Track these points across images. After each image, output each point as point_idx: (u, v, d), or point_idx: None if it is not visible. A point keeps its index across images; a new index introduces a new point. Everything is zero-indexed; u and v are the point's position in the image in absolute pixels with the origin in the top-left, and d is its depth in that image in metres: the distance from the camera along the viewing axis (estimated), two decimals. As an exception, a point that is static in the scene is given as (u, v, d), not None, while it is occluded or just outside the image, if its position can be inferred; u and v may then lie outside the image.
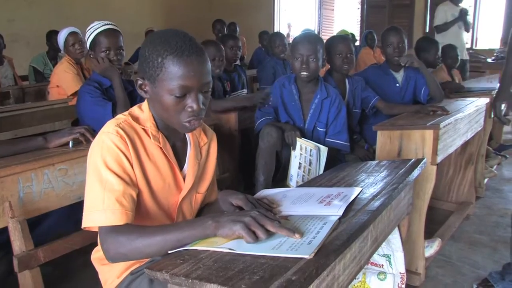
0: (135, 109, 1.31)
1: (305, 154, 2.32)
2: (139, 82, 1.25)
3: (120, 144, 1.18)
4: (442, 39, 5.59)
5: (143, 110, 1.30)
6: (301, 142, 2.33)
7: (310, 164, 2.32)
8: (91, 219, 1.15)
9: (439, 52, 3.72)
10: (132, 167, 1.20)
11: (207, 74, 1.21)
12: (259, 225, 1.02)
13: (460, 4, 5.89)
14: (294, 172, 2.37)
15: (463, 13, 5.69)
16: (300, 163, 2.35)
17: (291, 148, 2.36)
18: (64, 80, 3.55)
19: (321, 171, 2.32)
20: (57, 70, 3.68)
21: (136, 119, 1.27)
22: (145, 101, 1.31)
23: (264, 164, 2.38)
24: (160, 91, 1.19)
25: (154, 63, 1.17)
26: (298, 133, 2.35)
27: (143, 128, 1.26)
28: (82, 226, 1.17)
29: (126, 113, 1.29)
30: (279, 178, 2.50)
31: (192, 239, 1.06)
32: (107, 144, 1.18)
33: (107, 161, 1.16)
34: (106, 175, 1.15)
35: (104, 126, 1.23)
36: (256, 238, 1.00)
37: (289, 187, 2.37)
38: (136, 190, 1.20)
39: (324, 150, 2.32)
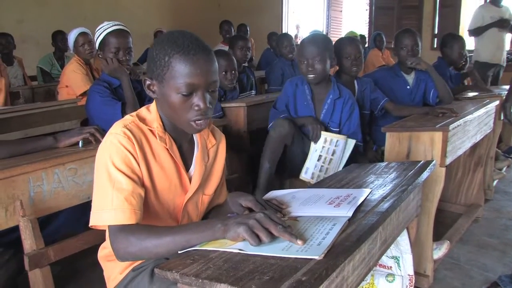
0: (142, 110, 1.32)
1: (329, 146, 2.36)
2: (147, 82, 1.26)
3: (127, 144, 1.20)
4: (479, 41, 5.48)
5: (150, 111, 1.31)
6: (326, 135, 2.37)
7: (333, 154, 2.35)
8: (100, 218, 1.16)
9: (464, 51, 3.67)
10: (139, 167, 1.22)
11: (213, 73, 1.22)
12: (263, 228, 1.02)
13: (502, 4, 5.52)
14: (311, 164, 2.41)
15: (501, 22, 5.37)
16: (320, 155, 2.38)
17: (311, 141, 2.40)
18: (73, 80, 3.57)
19: (343, 164, 2.39)
20: (67, 70, 3.70)
21: (143, 120, 1.28)
22: (153, 102, 1.32)
23: (271, 152, 2.40)
24: (167, 90, 1.21)
25: (161, 62, 1.19)
26: (322, 127, 2.40)
27: (150, 129, 1.27)
28: (90, 224, 1.19)
29: (133, 114, 1.31)
30: (289, 174, 2.51)
31: (201, 241, 1.07)
32: (115, 144, 1.19)
33: (115, 161, 1.17)
34: (115, 175, 1.16)
35: (112, 127, 1.24)
36: (259, 241, 1.00)
37: (303, 180, 2.42)
38: (143, 190, 1.21)
39: (351, 142, 2.37)
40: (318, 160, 2.39)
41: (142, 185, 1.22)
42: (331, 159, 2.37)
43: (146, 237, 1.11)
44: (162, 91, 1.23)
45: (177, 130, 1.31)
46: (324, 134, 2.39)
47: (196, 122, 1.23)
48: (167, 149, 1.28)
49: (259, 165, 2.44)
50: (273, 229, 1.02)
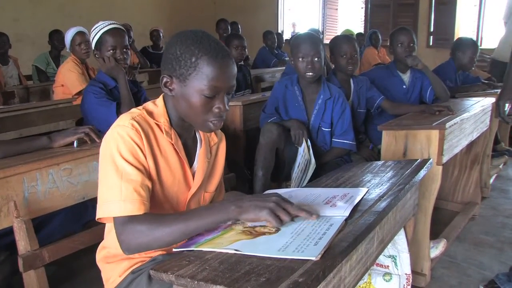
0: (149, 104, 1.32)
1: (305, 159, 2.35)
2: (165, 79, 1.25)
3: (135, 136, 1.19)
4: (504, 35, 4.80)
5: (157, 106, 1.31)
6: (304, 146, 2.34)
7: (302, 170, 2.35)
8: (109, 210, 1.15)
9: (476, 57, 3.60)
10: (146, 159, 1.21)
11: (234, 77, 1.25)
12: (282, 209, 1.07)
13: None
14: (295, 168, 2.40)
15: None
16: (299, 163, 2.36)
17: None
18: (68, 80, 3.56)
19: (305, 183, 2.38)
20: (62, 69, 3.68)
21: (150, 113, 1.28)
22: (160, 96, 1.32)
23: (263, 160, 2.38)
24: (190, 90, 1.21)
25: (187, 62, 1.19)
26: (305, 133, 2.37)
27: (156, 123, 1.27)
28: (97, 217, 1.18)
29: (140, 107, 1.30)
30: (285, 177, 2.50)
31: (214, 224, 1.10)
32: (122, 136, 1.19)
33: (123, 153, 1.17)
34: (123, 166, 1.16)
35: (119, 119, 1.24)
36: (281, 222, 1.07)
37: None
38: (151, 182, 1.21)
39: (313, 165, 2.37)
40: (298, 166, 2.38)
41: (149, 177, 1.22)
42: (301, 175, 2.38)
43: (157, 226, 1.10)
44: (182, 90, 1.23)
45: (183, 126, 1.32)
46: (305, 143, 2.36)
47: (213, 122, 1.25)
48: (172, 144, 1.28)
49: (253, 174, 2.43)
50: (290, 209, 1.09)
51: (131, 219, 1.12)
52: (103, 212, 1.16)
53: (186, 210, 1.33)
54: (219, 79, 1.19)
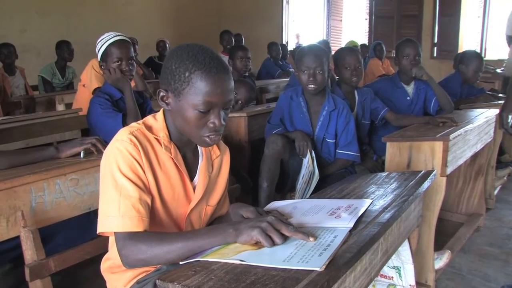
0: (149, 119, 1.33)
1: (310, 169, 2.36)
2: (162, 93, 1.26)
3: (133, 151, 1.20)
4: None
5: (157, 120, 1.32)
6: (309, 157, 2.36)
7: (306, 182, 2.36)
8: (108, 225, 1.16)
9: (480, 71, 3.61)
10: (145, 174, 1.22)
11: (231, 92, 1.23)
12: (275, 230, 1.06)
13: None
14: (300, 179, 2.41)
15: None
16: (303, 174, 2.37)
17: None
18: (90, 76, 3.44)
19: (308, 194, 2.39)
20: (89, 66, 3.52)
21: (149, 128, 1.29)
22: (160, 111, 1.33)
23: (268, 171, 2.39)
24: (184, 105, 1.21)
25: (181, 77, 1.19)
26: (310, 144, 2.38)
27: (156, 138, 1.28)
28: (98, 231, 1.19)
29: (140, 121, 1.31)
30: (290, 188, 2.51)
31: (213, 246, 1.09)
32: (121, 151, 1.20)
33: (121, 168, 1.18)
34: (121, 182, 1.17)
35: (118, 134, 1.24)
36: (272, 243, 1.05)
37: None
38: (150, 197, 1.22)
39: (317, 177, 2.38)
40: (302, 178, 2.39)
41: (149, 192, 1.23)
42: (305, 186, 2.40)
43: (157, 244, 1.12)
44: (178, 105, 1.23)
45: (183, 140, 1.32)
46: (309, 155, 2.38)
47: (210, 137, 1.25)
48: (172, 158, 1.29)
49: (258, 185, 2.44)
50: (285, 230, 1.07)
51: (131, 236, 1.14)
52: (103, 227, 1.18)
53: (187, 230, 1.33)
54: (213, 95, 1.18)
